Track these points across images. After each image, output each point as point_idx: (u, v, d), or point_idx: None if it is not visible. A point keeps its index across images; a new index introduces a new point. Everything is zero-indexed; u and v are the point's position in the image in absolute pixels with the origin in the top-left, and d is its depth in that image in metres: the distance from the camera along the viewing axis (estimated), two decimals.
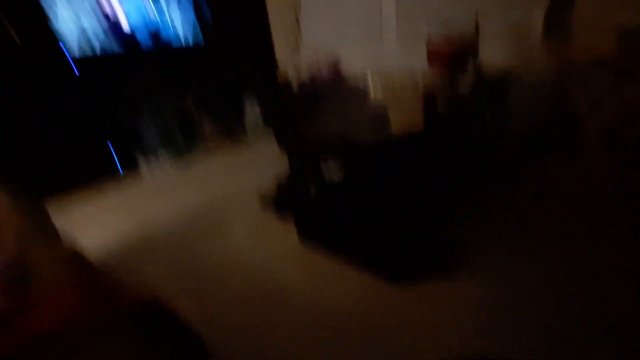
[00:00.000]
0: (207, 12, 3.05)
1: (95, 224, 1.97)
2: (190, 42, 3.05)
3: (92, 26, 2.37)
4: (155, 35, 2.77)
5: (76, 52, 2.32)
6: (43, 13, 2.15)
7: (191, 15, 2.99)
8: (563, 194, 1.51)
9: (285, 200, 1.76)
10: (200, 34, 3.07)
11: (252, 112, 3.37)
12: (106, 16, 2.43)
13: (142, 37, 2.68)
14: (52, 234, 0.84)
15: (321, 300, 1.22)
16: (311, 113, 1.49)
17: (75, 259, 0.75)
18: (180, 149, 2.92)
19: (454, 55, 1.71)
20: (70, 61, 2.31)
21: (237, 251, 1.57)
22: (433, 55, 1.79)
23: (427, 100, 1.14)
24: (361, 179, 1.28)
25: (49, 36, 2.18)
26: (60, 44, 2.24)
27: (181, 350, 0.68)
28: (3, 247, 0.65)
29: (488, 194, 1.50)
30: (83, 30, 2.34)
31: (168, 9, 2.84)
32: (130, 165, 2.69)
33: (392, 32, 2.72)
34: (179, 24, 2.94)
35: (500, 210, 1.48)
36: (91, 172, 2.47)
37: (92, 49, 2.40)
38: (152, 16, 2.71)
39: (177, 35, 2.93)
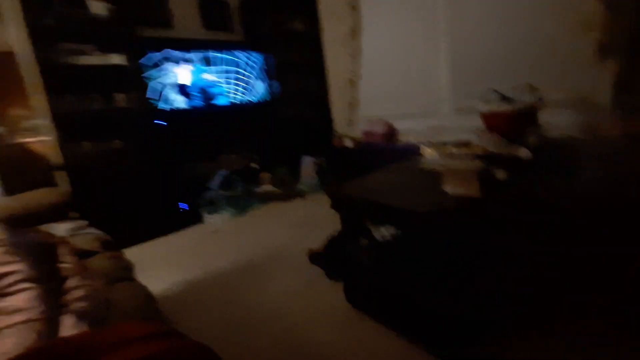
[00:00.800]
0: (274, 77, 3.49)
1: (159, 268, 2.13)
2: (257, 101, 3.47)
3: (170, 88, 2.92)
4: (208, 94, 3.23)
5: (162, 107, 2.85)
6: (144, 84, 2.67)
7: (262, 80, 3.45)
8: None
9: (333, 259, 1.76)
10: (267, 95, 3.51)
11: (308, 171, 3.55)
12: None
13: (201, 97, 3.17)
14: (129, 275, 0.96)
15: None
16: (364, 176, 1.56)
17: (146, 297, 0.83)
18: (239, 201, 3.13)
19: (511, 123, 1.72)
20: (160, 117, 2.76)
21: (284, 304, 1.57)
22: (490, 122, 1.81)
23: (483, 167, 1.14)
24: (414, 246, 1.26)
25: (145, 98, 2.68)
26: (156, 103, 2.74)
27: None
28: (95, 279, 0.75)
29: (550, 267, 1.36)
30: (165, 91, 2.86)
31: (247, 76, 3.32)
32: (194, 212, 2.95)
33: (448, 101, 2.81)
34: (255, 86, 3.39)
35: (565, 283, 1.32)
36: (163, 222, 2.76)
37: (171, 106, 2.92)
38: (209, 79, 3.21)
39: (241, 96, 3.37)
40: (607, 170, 1.52)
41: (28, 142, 5.16)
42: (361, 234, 1.60)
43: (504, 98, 1.85)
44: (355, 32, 3.33)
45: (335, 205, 1.36)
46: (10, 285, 0.59)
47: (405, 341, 1.24)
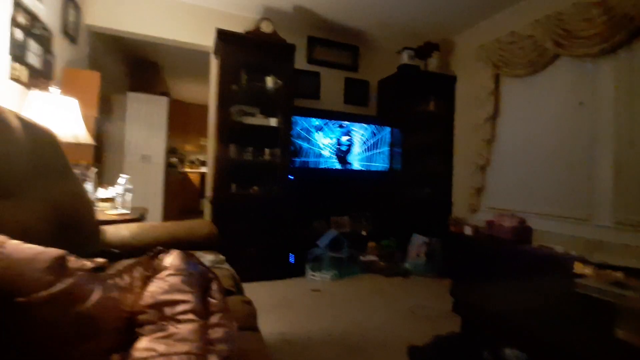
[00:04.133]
0: (401, 152, 3.56)
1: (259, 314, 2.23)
2: (379, 172, 3.57)
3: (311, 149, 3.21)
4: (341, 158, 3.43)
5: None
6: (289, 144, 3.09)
7: (388, 153, 3.58)
8: None
9: None
10: (390, 168, 3.63)
11: (417, 250, 3.35)
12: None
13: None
14: (254, 325, 1.03)
15: None
16: (496, 282, 1.37)
17: (266, 354, 0.87)
18: (342, 264, 3.13)
19: None
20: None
21: None
22: None
23: None
24: None
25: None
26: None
27: None
28: (232, 322, 0.83)
29: None
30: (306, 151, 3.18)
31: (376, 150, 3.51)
32: (299, 265, 3.08)
33: (607, 211, 2.33)
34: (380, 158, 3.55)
35: None
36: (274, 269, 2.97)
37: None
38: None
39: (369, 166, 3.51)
40: None
41: (190, 172, 6.50)
42: (483, 347, 1.37)
43: None
44: (492, 117, 3.22)
45: (458, 309, 1.21)
46: (181, 313, 0.69)
47: None
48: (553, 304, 1.21)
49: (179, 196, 5.49)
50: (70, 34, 2.71)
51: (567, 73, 2.62)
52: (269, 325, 2.04)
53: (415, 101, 3.61)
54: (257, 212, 2.92)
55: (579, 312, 1.14)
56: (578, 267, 1.45)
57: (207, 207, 3.24)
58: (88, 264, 0.78)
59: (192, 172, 6.52)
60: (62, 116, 1.79)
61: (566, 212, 2.57)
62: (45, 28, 2.29)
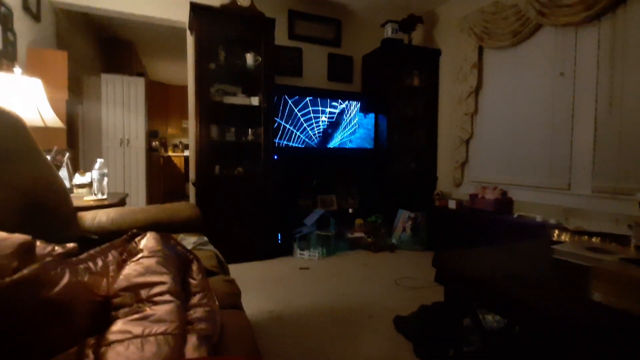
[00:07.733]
0: (385, 128, 3.54)
1: (248, 292, 2.25)
2: (363, 149, 3.55)
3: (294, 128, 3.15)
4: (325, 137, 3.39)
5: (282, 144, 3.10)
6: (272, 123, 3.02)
7: (372, 129, 3.55)
8: None
9: (425, 334, 1.59)
10: (374, 144, 3.61)
11: (403, 225, 3.41)
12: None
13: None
14: (237, 303, 1.03)
15: None
16: (478, 250, 1.40)
17: (249, 330, 0.87)
18: (330, 241, 3.16)
19: None
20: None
21: None
22: None
23: None
24: (535, 349, 1.04)
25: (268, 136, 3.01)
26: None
27: None
28: (214, 301, 0.82)
29: None
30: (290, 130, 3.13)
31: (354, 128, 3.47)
32: (286, 244, 3.09)
33: (586, 179, 2.39)
34: (364, 134, 3.52)
35: None
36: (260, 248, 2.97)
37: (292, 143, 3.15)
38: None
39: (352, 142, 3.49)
40: None
41: (174, 156, 6.35)
42: (465, 315, 1.41)
43: None
44: (475, 90, 3.21)
45: (440, 279, 1.24)
46: (157, 294, 0.68)
47: None
48: (532, 271, 1.24)
49: (163, 180, 5.39)
50: (32, 11, 2.53)
51: (550, 43, 2.61)
52: (258, 303, 2.06)
53: (399, 76, 3.56)
54: (243, 193, 2.89)
55: (557, 277, 1.18)
56: (556, 234, 1.50)
57: (191, 191, 3.18)
58: (57, 249, 0.75)
59: (176, 156, 6.38)
60: (26, 98, 1.69)
61: (546, 182, 2.63)
62: (3, 4, 2.13)
